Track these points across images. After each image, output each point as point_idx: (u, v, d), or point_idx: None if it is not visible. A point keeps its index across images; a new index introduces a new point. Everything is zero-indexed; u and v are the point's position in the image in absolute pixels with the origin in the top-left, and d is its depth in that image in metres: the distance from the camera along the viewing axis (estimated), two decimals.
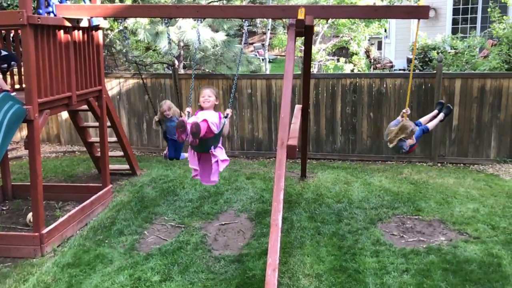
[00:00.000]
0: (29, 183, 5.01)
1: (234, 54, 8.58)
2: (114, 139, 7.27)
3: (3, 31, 6.73)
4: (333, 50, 15.42)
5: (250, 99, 8.44)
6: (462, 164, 7.83)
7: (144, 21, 8.27)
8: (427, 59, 11.67)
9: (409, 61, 13.90)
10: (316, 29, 11.83)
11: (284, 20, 10.11)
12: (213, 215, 5.82)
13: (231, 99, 4.72)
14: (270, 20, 11.96)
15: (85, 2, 5.81)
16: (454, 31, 14.47)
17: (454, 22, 15.05)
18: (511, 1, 11.53)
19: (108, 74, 8.80)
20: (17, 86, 6.43)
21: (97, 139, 6.91)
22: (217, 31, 8.47)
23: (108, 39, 9.95)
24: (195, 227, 5.46)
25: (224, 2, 9.49)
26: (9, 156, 7.23)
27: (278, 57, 23.82)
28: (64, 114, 9.03)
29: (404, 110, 5.30)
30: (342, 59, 14.08)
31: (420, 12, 4.78)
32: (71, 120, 7.18)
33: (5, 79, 6.01)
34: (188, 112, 4.58)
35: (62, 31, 5.24)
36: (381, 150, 8.13)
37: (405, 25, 15.62)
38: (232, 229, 5.42)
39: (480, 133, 7.73)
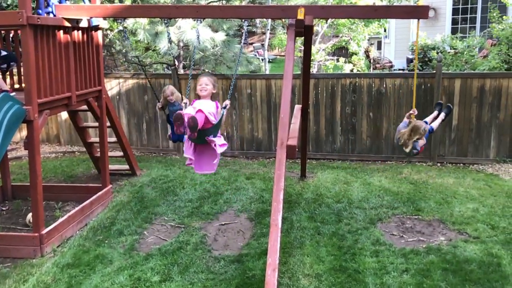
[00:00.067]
0: (29, 184, 5.01)
1: (234, 54, 8.59)
2: (113, 139, 7.27)
3: (2, 32, 6.73)
4: (333, 50, 15.42)
5: (249, 99, 8.44)
6: (461, 164, 7.84)
7: (144, 21, 8.27)
8: (426, 59, 11.69)
9: (408, 61, 13.90)
10: (315, 29, 11.83)
11: (283, 20, 10.11)
12: (213, 215, 5.82)
13: (229, 95, 4.68)
14: (269, 20, 11.95)
15: (84, 2, 5.80)
16: (454, 31, 14.48)
17: (454, 22, 15.06)
18: (511, 1, 11.54)
19: (107, 74, 8.80)
20: (16, 86, 6.44)
21: (97, 139, 6.91)
22: (216, 31, 8.48)
23: (108, 39, 9.95)
24: (195, 227, 5.46)
25: (224, 2, 9.49)
26: (8, 156, 7.23)
27: (278, 57, 23.82)
28: (64, 115, 9.03)
29: (411, 111, 5.18)
30: (342, 59, 14.07)
31: (420, 12, 4.78)
32: (71, 121, 7.19)
33: (4, 79, 6.01)
34: (185, 103, 4.56)
35: (61, 31, 5.23)
36: (381, 150, 8.14)
37: (404, 25, 15.62)
38: (232, 229, 5.42)
39: (480, 133, 7.74)
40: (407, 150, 5.02)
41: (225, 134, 8.41)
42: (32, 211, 4.97)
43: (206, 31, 8.07)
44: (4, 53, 5.84)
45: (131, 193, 6.61)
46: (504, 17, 10.44)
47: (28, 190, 5.22)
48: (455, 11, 15.05)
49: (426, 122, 5.28)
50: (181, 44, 9.25)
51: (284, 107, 4.21)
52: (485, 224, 5.33)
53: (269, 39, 13.94)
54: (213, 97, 4.62)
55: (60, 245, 5.08)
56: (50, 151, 9.17)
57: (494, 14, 10.36)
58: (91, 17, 5.63)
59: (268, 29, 12.65)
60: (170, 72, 9.00)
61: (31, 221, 5.26)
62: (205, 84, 4.50)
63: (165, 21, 5.25)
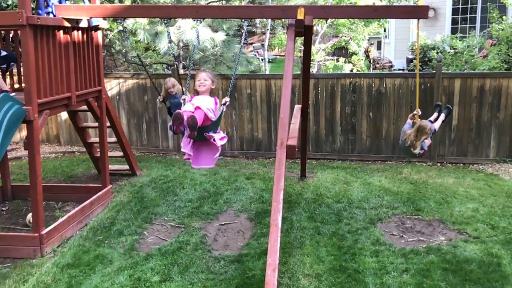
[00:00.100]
0: (29, 184, 5.01)
1: (234, 54, 8.59)
2: (113, 139, 7.26)
3: (2, 32, 6.73)
4: (333, 50, 15.42)
5: (249, 99, 8.44)
6: (461, 164, 7.84)
7: (144, 21, 8.27)
8: (426, 59, 11.70)
9: (408, 61, 13.90)
10: (315, 29, 11.83)
11: (283, 20, 10.11)
12: (212, 215, 5.82)
13: (229, 92, 4.67)
14: (269, 20, 11.96)
15: (84, 3, 5.80)
16: (454, 31, 14.49)
17: (454, 22, 15.06)
18: (510, 1, 11.55)
19: (107, 74, 8.79)
20: (16, 86, 6.44)
21: (97, 139, 6.91)
22: (216, 31, 8.48)
23: (108, 40, 9.95)
24: (195, 227, 5.46)
25: (224, 2, 9.49)
26: (8, 156, 7.23)
27: (278, 57, 23.82)
28: (64, 115, 9.03)
29: (415, 112, 5.17)
30: (342, 59, 14.07)
31: (420, 12, 4.78)
32: (71, 121, 7.18)
33: (4, 79, 6.00)
34: (184, 100, 4.55)
35: (61, 31, 5.23)
36: (381, 150, 8.14)
37: (404, 25, 15.63)
38: (232, 229, 5.42)
39: (480, 132, 7.74)
40: (416, 151, 4.95)
41: (225, 134, 8.40)
42: (32, 211, 4.97)
43: (206, 31, 8.07)
44: (4, 53, 5.85)
45: (131, 193, 6.60)
46: (503, 17, 10.44)
47: (28, 190, 5.22)
48: (455, 11, 15.06)
49: (431, 121, 5.22)
50: (181, 44, 9.25)
51: (284, 107, 4.21)
52: (485, 224, 5.33)
53: (269, 39, 13.94)
54: (212, 92, 4.60)
55: (60, 245, 5.08)
56: (50, 151, 9.17)
57: (494, 15, 10.37)
58: (91, 17, 5.62)
59: (268, 29, 12.66)
60: (170, 72, 9.01)
61: (31, 221, 5.26)
62: (204, 79, 4.47)
63: (165, 21, 5.24)
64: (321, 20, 11.82)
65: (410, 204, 5.98)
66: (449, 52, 10.89)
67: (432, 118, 5.65)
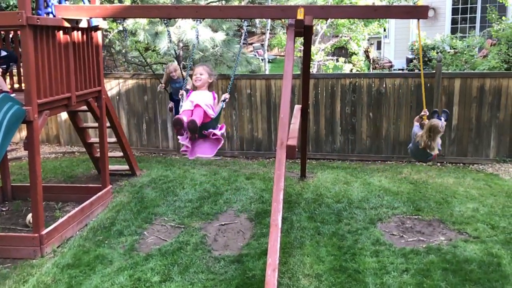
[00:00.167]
0: (29, 184, 5.01)
1: (234, 54, 8.59)
2: (113, 139, 7.26)
3: (2, 32, 6.73)
4: (333, 50, 15.40)
5: (249, 99, 8.44)
6: (461, 164, 7.84)
7: (144, 21, 8.27)
8: (426, 59, 11.71)
9: (408, 61, 13.90)
10: (315, 29, 11.82)
11: (283, 20, 10.11)
12: (212, 215, 5.82)
13: (229, 89, 4.66)
14: (269, 20, 11.96)
15: (84, 3, 5.80)
16: (453, 30, 14.50)
17: (453, 21, 15.06)
18: (510, 1, 11.55)
19: (107, 74, 8.79)
20: (16, 86, 6.43)
21: (97, 139, 6.91)
22: (216, 31, 8.48)
23: (108, 40, 9.95)
24: (195, 227, 5.46)
25: (223, 2, 9.49)
26: (8, 157, 7.23)
27: (278, 57, 23.82)
28: (64, 115, 9.03)
29: (422, 113, 5.10)
30: (342, 59, 14.07)
31: (419, 12, 4.79)
32: (71, 121, 7.18)
33: (4, 79, 6.00)
34: (182, 95, 4.54)
35: (61, 31, 5.23)
36: (381, 150, 8.14)
37: (404, 25, 15.63)
38: (232, 230, 5.42)
39: (480, 132, 7.74)
40: (434, 152, 4.86)
41: (225, 134, 8.40)
42: (32, 212, 4.97)
43: (206, 31, 8.07)
44: (4, 53, 5.84)
45: (131, 194, 6.60)
46: (503, 17, 10.45)
47: (28, 190, 5.22)
48: (454, 11, 15.06)
49: (440, 119, 5.03)
50: (181, 44, 9.25)
51: (284, 107, 4.21)
52: (485, 224, 5.33)
53: (269, 39, 13.94)
54: (211, 86, 4.57)
55: (60, 246, 5.08)
56: (50, 152, 9.17)
57: (493, 16, 10.38)
58: (90, 18, 5.62)
59: (267, 29, 12.66)
60: None
61: (31, 221, 5.26)
62: (200, 73, 4.43)
63: (165, 21, 5.25)
64: (321, 20, 11.82)
65: (410, 204, 5.98)
66: (449, 52, 10.90)
67: None
